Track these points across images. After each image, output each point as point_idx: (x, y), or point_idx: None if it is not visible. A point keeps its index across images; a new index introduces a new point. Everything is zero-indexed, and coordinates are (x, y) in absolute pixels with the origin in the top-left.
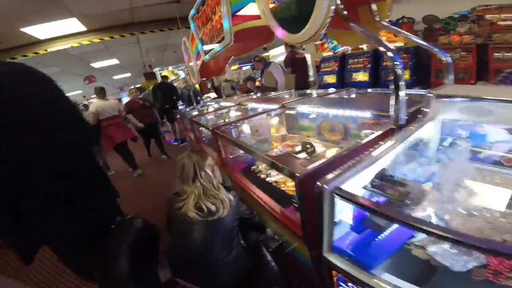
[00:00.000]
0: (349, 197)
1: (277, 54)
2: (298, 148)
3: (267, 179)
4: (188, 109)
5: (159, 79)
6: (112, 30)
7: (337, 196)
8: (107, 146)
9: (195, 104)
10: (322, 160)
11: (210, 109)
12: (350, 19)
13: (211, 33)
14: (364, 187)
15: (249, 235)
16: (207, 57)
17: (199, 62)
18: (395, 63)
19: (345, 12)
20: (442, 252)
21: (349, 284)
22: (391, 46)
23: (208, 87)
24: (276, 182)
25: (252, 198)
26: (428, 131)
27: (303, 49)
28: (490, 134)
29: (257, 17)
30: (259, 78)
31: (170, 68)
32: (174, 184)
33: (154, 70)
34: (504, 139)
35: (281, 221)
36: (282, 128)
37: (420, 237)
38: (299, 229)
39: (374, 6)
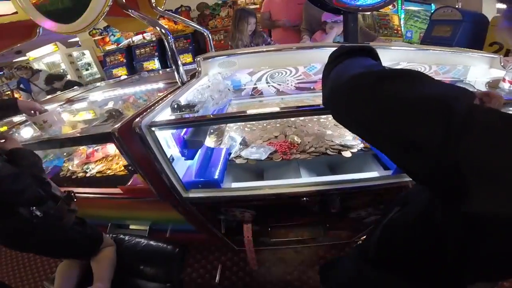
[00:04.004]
0: (164, 123)
1: (40, 56)
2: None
3: (88, 174)
4: None
5: None
6: None
7: (154, 127)
8: None
9: None
10: (130, 115)
11: None
12: (130, 6)
13: None
14: (171, 115)
15: None
16: None
17: None
18: (168, 38)
19: (124, 0)
20: (250, 153)
21: (221, 208)
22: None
23: None
24: (99, 172)
25: (90, 202)
26: (205, 82)
27: (79, 46)
28: (241, 79)
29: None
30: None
31: None
32: None
33: None
34: (249, 80)
35: (130, 198)
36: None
37: (234, 151)
38: (151, 192)
39: None
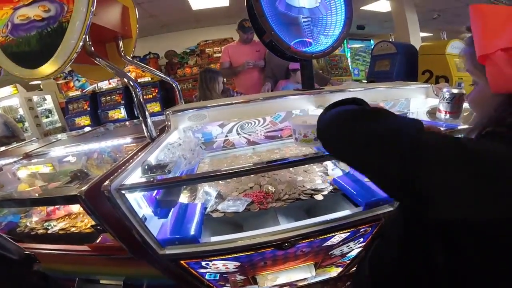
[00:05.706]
0: (135, 186)
1: None
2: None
3: (50, 231)
4: None
5: None
6: None
7: (124, 190)
8: None
9: None
10: (98, 175)
11: None
12: (98, 54)
13: None
14: (141, 177)
15: None
16: None
17: None
18: (136, 90)
19: (93, 48)
20: (227, 206)
21: (202, 262)
22: (140, 80)
23: None
24: (63, 229)
25: (53, 258)
26: (175, 138)
27: (41, 89)
28: (212, 131)
29: None
30: None
31: None
32: None
33: None
34: (220, 132)
35: (100, 255)
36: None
37: (209, 205)
38: (123, 249)
39: (121, 43)
